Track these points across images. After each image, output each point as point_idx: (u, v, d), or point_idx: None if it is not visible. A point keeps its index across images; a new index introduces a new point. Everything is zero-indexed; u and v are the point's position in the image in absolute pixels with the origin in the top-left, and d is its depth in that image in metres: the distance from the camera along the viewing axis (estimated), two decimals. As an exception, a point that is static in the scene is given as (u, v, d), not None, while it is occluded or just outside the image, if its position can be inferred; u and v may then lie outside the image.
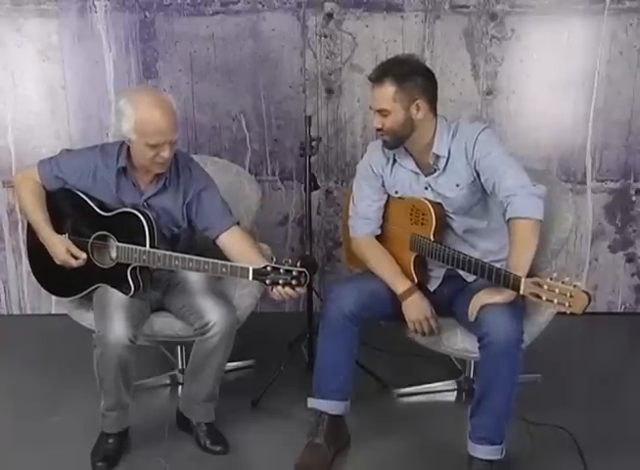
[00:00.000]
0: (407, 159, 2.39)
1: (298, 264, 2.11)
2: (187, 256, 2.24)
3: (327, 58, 3.24)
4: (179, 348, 2.81)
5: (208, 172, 2.56)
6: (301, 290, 2.14)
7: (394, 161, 2.41)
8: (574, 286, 1.93)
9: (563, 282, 1.95)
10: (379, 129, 2.31)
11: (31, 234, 2.48)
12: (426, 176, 2.36)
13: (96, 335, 2.27)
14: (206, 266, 2.21)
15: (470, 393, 2.73)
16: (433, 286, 2.44)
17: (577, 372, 2.95)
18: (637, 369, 3.02)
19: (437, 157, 2.32)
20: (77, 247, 2.36)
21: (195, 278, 2.45)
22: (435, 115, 2.33)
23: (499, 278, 2.08)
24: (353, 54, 3.23)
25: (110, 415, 2.36)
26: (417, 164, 2.38)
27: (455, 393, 2.78)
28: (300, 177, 3.21)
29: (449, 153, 2.31)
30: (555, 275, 1.98)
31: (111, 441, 2.38)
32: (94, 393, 2.35)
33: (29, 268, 2.57)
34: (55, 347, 3.22)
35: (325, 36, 3.21)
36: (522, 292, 2.03)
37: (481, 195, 2.33)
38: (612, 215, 3.41)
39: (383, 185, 2.46)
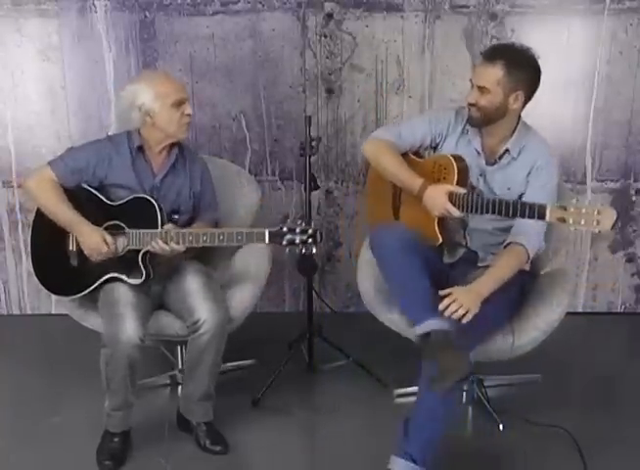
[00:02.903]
0: (477, 138, 2.41)
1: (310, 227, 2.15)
2: (200, 230, 2.29)
3: (327, 58, 3.24)
4: (179, 348, 2.81)
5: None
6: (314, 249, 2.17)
7: (463, 133, 2.43)
8: (601, 204, 1.94)
9: (588, 203, 1.96)
10: (472, 104, 2.32)
11: (36, 234, 2.49)
12: (486, 164, 2.39)
13: (106, 335, 2.27)
14: (221, 237, 2.24)
15: (470, 393, 2.73)
16: (448, 260, 2.47)
17: (577, 372, 2.96)
18: (637, 369, 3.02)
19: (507, 152, 2.36)
20: None
21: (192, 277, 2.45)
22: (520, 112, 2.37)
23: (524, 211, 2.09)
24: (353, 54, 3.23)
25: (115, 415, 2.36)
26: (483, 148, 2.40)
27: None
28: (300, 177, 3.21)
29: (518, 154, 2.36)
30: (579, 198, 2.00)
31: (116, 440, 2.38)
32: (94, 392, 2.35)
33: (32, 270, 2.54)
34: (55, 347, 3.22)
35: (325, 36, 3.21)
36: (547, 219, 2.04)
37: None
38: (612, 215, 3.40)
39: (432, 139, 2.47)
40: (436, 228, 2.36)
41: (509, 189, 2.38)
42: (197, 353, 2.35)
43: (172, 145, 2.48)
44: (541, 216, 2.05)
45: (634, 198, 3.38)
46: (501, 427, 2.52)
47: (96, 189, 2.43)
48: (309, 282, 2.94)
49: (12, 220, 3.45)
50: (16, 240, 3.47)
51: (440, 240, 2.37)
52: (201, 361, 2.35)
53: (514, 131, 2.38)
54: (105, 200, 2.40)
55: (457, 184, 2.31)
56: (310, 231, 2.14)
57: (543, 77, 3.30)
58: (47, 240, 2.47)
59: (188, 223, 2.52)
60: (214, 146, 3.34)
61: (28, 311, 3.57)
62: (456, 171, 2.31)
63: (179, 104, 2.36)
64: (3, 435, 2.55)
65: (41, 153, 3.36)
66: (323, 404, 2.80)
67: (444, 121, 2.46)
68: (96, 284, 2.41)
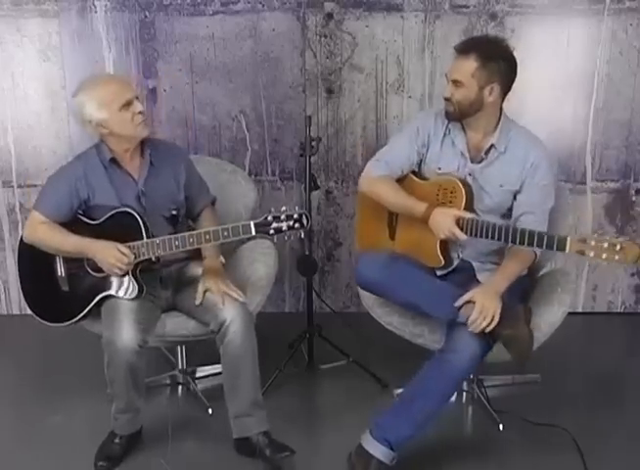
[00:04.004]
0: (461, 137, 2.38)
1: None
2: (185, 233, 2.25)
3: (327, 58, 3.24)
4: (179, 348, 2.81)
5: (206, 172, 2.61)
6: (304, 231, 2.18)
7: (446, 134, 2.40)
8: (624, 239, 1.95)
9: (609, 237, 1.97)
10: (447, 99, 2.31)
11: (23, 268, 2.50)
12: (472, 163, 2.37)
13: (104, 341, 2.25)
14: (208, 236, 2.22)
15: (470, 393, 2.73)
16: (440, 272, 2.44)
17: (577, 372, 2.96)
18: (637, 369, 3.02)
19: (492, 148, 2.34)
20: (72, 264, 2.38)
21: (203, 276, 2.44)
22: (502, 106, 2.35)
23: (542, 241, 2.08)
24: (353, 54, 3.23)
25: (121, 417, 2.35)
26: (468, 147, 2.37)
27: (455, 393, 2.78)
28: (300, 177, 3.21)
29: (505, 149, 2.33)
30: (600, 232, 2.02)
31: (117, 441, 2.37)
32: (94, 393, 2.35)
33: (27, 306, 2.54)
34: (55, 347, 3.21)
35: (325, 36, 3.21)
36: (567, 251, 2.03)
37: (513, 201, 2.38)
38: (612, 215, 3.40)
39: (419, 153, 2.44)
40: (439, 251, 2.35)
41: (501, 186, 2.35)
42: (233, 362, 2.29)
43: (142, 145, 2.39)
44: (561, 248, 2.04)
45: (634, 198, 3.38)
46: (501, 427, 2.52)
47: (82, 213, 2.38)
48: (309, 282, 2.94)
49: (12, 220, 3.45)
50: (16, 240, 3.43)
51: (443, 263, 2.37)
52: (239, 369, 2.30)
53: (497, 125, 2.35)
54: (86, 220, 2.36)
55: (465, 206, 2.29)
56: (295, 215, 2.13)
57: (544, 77, 3.31)
58: (34, 272, 2.46)
59: (187, 216, 2.52)
60: (214, 146, 3.34)
61: (28, 311, 3.56)
62: (464, 196, 2.29)
63: (127, 105, 2.25)
64: (3, 435, 2.55)
65: (41, 153, 3.36)
66: (323, 404, 2.80)
67: (424, 131, 2.43)
68: (91, 305, 2.37)
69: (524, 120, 3.23)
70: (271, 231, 2.15)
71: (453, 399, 2.76)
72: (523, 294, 2.45)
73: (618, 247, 1.94)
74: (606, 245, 1.95)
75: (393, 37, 3.20)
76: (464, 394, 2.76)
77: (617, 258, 1.94)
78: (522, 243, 2.13)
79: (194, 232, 2.25)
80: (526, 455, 2.39)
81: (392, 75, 3.24)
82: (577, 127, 3.30)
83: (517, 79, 3.16)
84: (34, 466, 2.38)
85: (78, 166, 2.37)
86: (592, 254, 1.98)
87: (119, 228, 2.31)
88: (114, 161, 2.35)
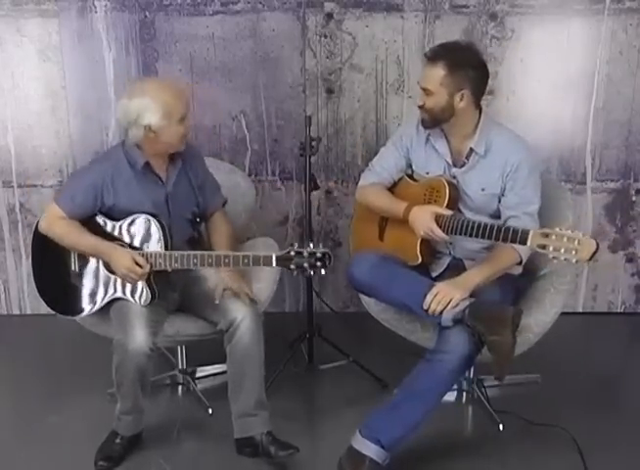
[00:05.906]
0: (442, 142, 2.39)
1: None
2: (205, 253, 2.25)
3: (327, 58, 3.24)
4: (179, 348, 2.81)
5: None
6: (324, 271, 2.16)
7: (428, 140, 2.42)
8: (583, 234, 1.96)
9: (572, 231, 1.98)
10: (420, 107, 2.33)
11: (37, 255, 2.45)
12: (455, 167, 2.38)
13: (116, 343, 2.24)
14: (227, 260, 2.22)
15: (470, 393, 2.73)
16: (435, 272, 2.47)
17: (577, 372, 2.95)
18: (637, 369, 3.02)
19: (472, 151, 2.34)
20: (87, 261, 2.37)
21: (212, 276, 2.44)
22: (479, 109, 2.35)
23: (507, 235, 2.12)
24: (353, 54, 3.22)
25: (124, 418, 2.36)
26: (450, 151, 2.38)
27: (455, 393, 2.78)
28: (300, 177, 3.21)
29: (486, 152, 2.33)
30: (563, 227, 2.01)
31: (118, 441, 2.37)
32: (94, 393, 2.35)
33: (38, 294, 2.49)
34: (55, 347, 3.22)
35: (325, 36, 3.21)
36: (529, 244, 2.05)
37: (498, 203, 2.38)
38: (612, 215, 3.40)
39: (405, 158, 2.49)
40: (418, 249, 2.37)
41: (483, 190, 2.36)
42: (241, 361, 2.29)
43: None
44: (523, 242, 2.07)
45: (634, 198, 3.38)
46: (501, 427, 2.52)
47: (105, 214, 2.35)
48: (309, 282, 2.94)
49: (12, 220, 3.45)
50: (16, 240, 3.47)
51: (419, 260, 2.38)
52: (246, 368, 2.30)
53: (476, 128, 2.35)
54: (106, 219, 2.34)
55: (447, 205, 2.31)
56: (319, 254, 2.12)
57: (543, 77, 3.31)
58: (49, 260, 2.44)
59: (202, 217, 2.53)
60: (214, 146, 3.34)
61: (28, 311, 3.57)
62: (447, 195, 2.32)
63: (183, 119, 2.29)
64: (3, 434, 2.55)
65: (41, 153, 3.36)
66: (323, 404, 2.80)
67: (406, 139, 2.48)
68: (101, 304, 2.37)
69: (523, 120, 3.27)
70: (292, 266, 2.15)
71: (453, 398, 2.77)
72: (517, 294, 2.45)
73: (577, 242, 1.95)
74: (565, 239, 1.97)
75: (393, 37, 3.20)
76: (464, 394, 2.76)
77: (573, 253, 1.96)
78: (489, 238, 2.17)
79: (213, 253, 2.26)
80: (526, 455, 2.39)
81: (392, 75, 3.24)
82: (577, 127, 3.29)
83: (517, 79, 3.22)
84: (34, 466, 2.38)
85: (107, 169, 2.33)
86: (552, 248, 1.99)
87: (139, 232, 2.31)
88: (147, 164, 2.35)
